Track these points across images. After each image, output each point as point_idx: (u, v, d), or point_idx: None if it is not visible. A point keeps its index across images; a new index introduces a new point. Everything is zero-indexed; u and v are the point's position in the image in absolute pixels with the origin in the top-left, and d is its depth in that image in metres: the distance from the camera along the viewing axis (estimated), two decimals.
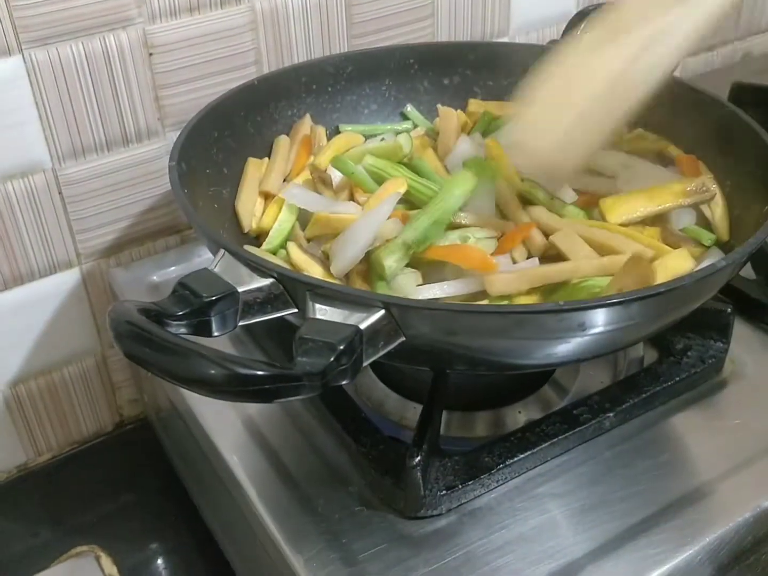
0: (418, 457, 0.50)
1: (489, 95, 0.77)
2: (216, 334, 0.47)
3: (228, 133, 0.67)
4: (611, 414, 0.58)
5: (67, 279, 0.75)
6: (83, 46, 0.67)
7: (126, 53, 0.69)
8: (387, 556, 0.50)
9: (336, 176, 0.66)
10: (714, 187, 0.62)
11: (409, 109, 0.76)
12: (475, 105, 0.76)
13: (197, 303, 0.45)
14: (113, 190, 0.74)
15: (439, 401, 0.56)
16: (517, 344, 0.49)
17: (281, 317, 0.49)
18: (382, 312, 0.44)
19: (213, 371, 0.40)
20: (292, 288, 0.47)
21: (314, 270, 0.57)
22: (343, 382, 0.43)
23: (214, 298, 0.46)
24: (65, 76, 0.67)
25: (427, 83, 0.77)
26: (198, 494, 0.74)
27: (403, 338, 0.46)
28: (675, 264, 0.55)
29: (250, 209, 0.65)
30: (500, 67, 0.76)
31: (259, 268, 0.48)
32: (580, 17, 0.80)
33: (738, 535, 0.52)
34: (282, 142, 0.71)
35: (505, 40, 0.92)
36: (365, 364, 0.44)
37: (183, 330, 0.45)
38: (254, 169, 0.68)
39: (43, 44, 0.65)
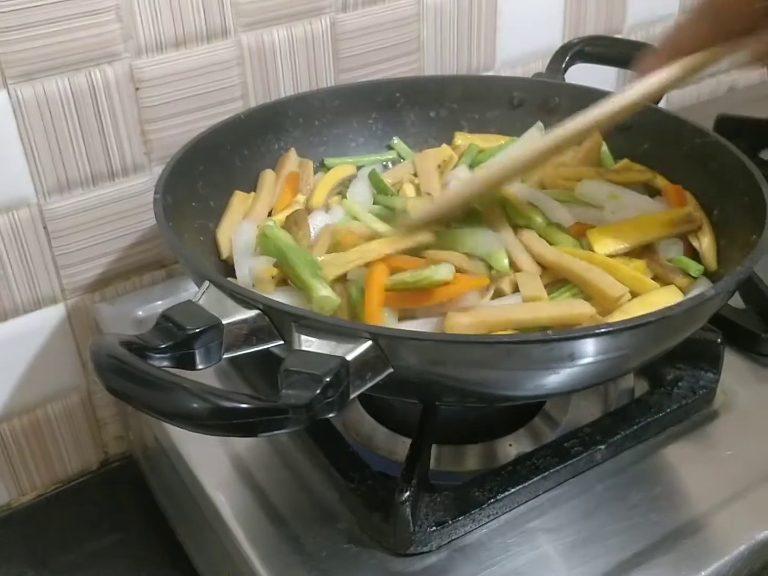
0: (407, 493, 0.49)
1: (475, 128, 0.77)
2: (200, 366, 0.46)
3: (214, 166, 0.66)
4: (602, 446, 0.57)
5: (52, 315, 0.74)
6: (69, 81, 0.67)
7: (112, 88, 0.69)
8: None
9: (318, 222, 0.65)
10: (700, 217, 0.62)
11: (396, 141, 0.77)
12: (462, 138, 0.76)
13: (181, 335, 0.45)
14: (99, 225, 0.73)
15: (428, 435, 0.55)
16: (505, 375, 0.48)
17: (267, 350, 0.48)
18: (370, 343, 0.44)
19: (196, 405, 0.39)
20: (278, 320, 0.47)
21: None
22: (330, 415, 0.42)
23: (197, 330, 0.45)
24: (51, 111, 0.67)
25: (414, 116, 0.77)
26: (184, 533, 0.72)
27: (391, 370, 0.45)
28: (661, 300, 0.55)
29: (230, 237, 0.64)
30: (486, 100, 0.77)
31: (244, 299, 0.47)
32: (564, 51, 0.81)
33: (734, 568, 0.51)
34: (267, 176, 0.70)
35: (491, 74, 0.92)
36: (352, 396, 0.44)
37: (166, 363, 0.44)
38: (239, 201, 0.67)
39: (29, 79, 0.65)
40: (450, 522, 0.52)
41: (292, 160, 0.72)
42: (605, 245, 0.60)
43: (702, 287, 0.58)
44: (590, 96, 0.73)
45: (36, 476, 0.79)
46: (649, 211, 0.63)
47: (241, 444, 0.60)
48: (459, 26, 0.87)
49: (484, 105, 0.77)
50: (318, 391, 0.41)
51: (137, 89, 0.70)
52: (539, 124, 0.74)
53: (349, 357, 0.43)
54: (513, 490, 0.54)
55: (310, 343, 0.44)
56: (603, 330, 0.46)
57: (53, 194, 0.70)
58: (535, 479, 0.55)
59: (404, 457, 0.54)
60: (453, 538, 0.52)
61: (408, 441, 0.58)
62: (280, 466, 0.58)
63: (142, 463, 0.79)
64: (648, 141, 0.69)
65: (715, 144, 0.64)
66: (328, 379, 0.41)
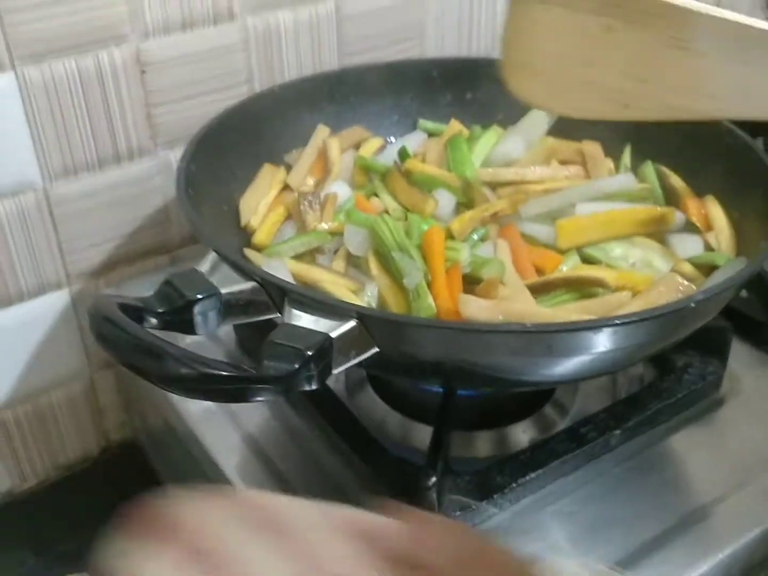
0: (434, 478, 0.50)
1: (512, 113, 0.73)
2: (200, 332, 0.47)
3: (244, 137, 0.66)
4: (617, 431, 0.58)
5: (56, 300, 0.73)
6: (76, 63, 0.66)
7: (119, 70, 0.68)
8: None
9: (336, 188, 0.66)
10: (673, 219, 0.61)
11: (421, 122, 0.76)
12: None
13: (180, 301, 0.46)
14: (104, 210, 0.72)
15: (449, 421, 0.56)
16: (493, 362, 0.49)
17: (267, 321, 0.49)
18: (355, 322, 0.45)
19: (182, 371, 0.41)
20: (273, 292, 0.48)
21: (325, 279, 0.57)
22: (309, 389, 0.43)
23: (197, 297, 0.46)
24: (58, 94, 0.66)
25: (450, 96, 0.76)
26: None
27: (377, 349, 0.46)
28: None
29: (253, 207, 0.65)
30: None
31: (242, 270, 0.49)
32: None
33: (749, 550, 0.52)
34: (321, 131, 0.71)
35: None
36: (334, 372, 0.45)
37: (164, 327, 0.46)
38: (267, 173, 0.68)
39: (36, 61, 0.64)
40: (473, 507, 0.52)
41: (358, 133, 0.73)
42: (569, 240, 0.59)
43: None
44: None
45: (38, 463, 0.79)
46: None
47: (256, 428, 0.60)
48: (461, 10, 0.86)
49: None
50: (298, 365, 0.42)
51: (143, 72, 0.69)
52: None
53: (334, 334, 0.44)
54: (533, 474, 0.55)
55: (299, 318, 0.45)
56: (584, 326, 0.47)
57: (59, 178, 0.69)
58: (554, 464, 0.55)
59: (418, 443, 0.54)
60: (476, 522, 0.53)
61: (421, 426, 0.59)
62: (297, 452, 0.59)
63: (147, 448, 0.79)
64: (672, 140, 0.66)
65: (742, 146, 0.63)
66: (309, 354, 0.42)
